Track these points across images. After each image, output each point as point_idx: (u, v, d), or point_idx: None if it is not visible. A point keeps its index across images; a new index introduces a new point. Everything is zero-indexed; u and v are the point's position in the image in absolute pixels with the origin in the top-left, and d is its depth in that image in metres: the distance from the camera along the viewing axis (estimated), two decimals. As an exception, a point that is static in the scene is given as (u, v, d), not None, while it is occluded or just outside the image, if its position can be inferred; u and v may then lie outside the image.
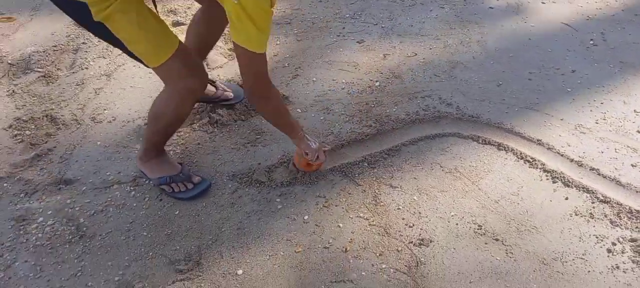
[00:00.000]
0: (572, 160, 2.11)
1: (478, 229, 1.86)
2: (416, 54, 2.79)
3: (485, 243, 1.81)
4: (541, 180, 2.03)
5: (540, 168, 2.07)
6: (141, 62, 1.69)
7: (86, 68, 2.74)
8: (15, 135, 2.27)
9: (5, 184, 2.02)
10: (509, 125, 2.29)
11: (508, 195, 1.99)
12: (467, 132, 2.27)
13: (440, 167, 2.11)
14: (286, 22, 3.12)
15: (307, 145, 1.93)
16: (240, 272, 1.72)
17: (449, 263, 1.76)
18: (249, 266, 1.74)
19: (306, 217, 1.91)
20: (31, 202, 1.96)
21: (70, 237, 1.83)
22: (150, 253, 1.78)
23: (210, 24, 2.12)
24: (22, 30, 3.05)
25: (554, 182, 2.02)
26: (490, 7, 3.16)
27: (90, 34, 2.97)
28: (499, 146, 2.19)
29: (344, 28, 3.04)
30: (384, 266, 1.75)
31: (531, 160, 2.10)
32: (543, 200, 1.95)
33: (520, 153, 2.14)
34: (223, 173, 2.09)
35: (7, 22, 3.17)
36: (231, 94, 2.40)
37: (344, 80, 2.60)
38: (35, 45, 2.90)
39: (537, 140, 2.20)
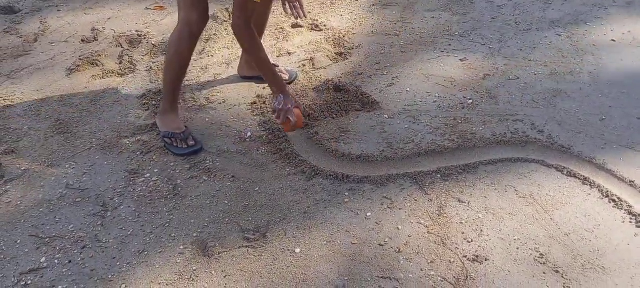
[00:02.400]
0: (667, 209, 1.94)
1: (539, 257, 1.81)
2: (518, 78, 2.72)
3: (544, 273, 1.76)
4: (623, 221, 1.90)
5: (625, 210, 1.93)
6: None
7: (211, 55, 3.12)
8: (144, 104, 2.69)
9: (127, 141, 2.42)
10: (601, 161, 2.16)
11: (581, 230, 1.89)
12: (552, 162, 2.18)
13: (515, 190, 2.07)
14: (394, 34, 3.24)
15: (274, 101, 2.27)
16: (297, 250, 1.88)
17: (500, 285, 1.74)
18: (306, 247, 1.89)
19: (369, 214, 2.01)
20: (144, 160, 2.32)
21: (167, 193, 2.14)
22: (227, 219, 2.02)
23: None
24: (169, 18, 3.56)
25: (637, 227, 1.87)
26: (613, 40, 2.96)
27: (221, 28, 3.39)
28: (585, 180, 2.08)
29: (450, 45, 3.07)
30: (432, 273, 1.78)
31: (617, 200, 1.97)
32: (620, 243, 1.83)
33: (607, 191, 2.01)
34: (304, 162, 2.27)
35: (159, 10, 3.72)
36: (287, 75, 2.79)
37: (437, 94, 2.64)
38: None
39: (630, 182, 2.05)
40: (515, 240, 1.88)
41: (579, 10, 3.40)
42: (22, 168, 2.27)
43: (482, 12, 3.45)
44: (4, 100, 2.70)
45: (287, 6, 2.49)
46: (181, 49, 2.30)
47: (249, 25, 2.16)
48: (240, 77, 2.87)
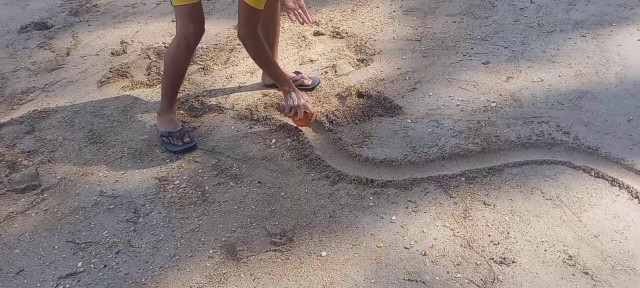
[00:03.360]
0: (700, 209, 1.91)
1: (568, 259, 1.80)
2: (542, 80, 2.71)
3: (573, 275, 1.75)
4: (653, 222, 1.88)
5: (655, 211, 1.91)
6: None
7: (236, 65, 3.19)
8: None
9: (157, 151, 2.49)
10: (630, 161, 2.13)
11: (611, 232, 1.87)
12: (579, 163, 2.17)
13: (542, 193, 2.07)
14: (416, 39, 3.26)
15: (286, 100, 2.44)
16: (324, 253, 1.91)
17: (527, 287, 1.74)
18: (332, 251, 1.92)
19: (394, 218, 2.03)
20: (173, 167, 2.39)
21: (196, 199, 2.20)
22: (254, 224, 2.06)
23: (263, 29, 2.58)
24: (194, 31, 3.64)
25: (668, 227, 1.85)
26: (639, 40, 2.92)
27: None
28: (613, 182, 2.06)
29: (472, 49, 3.08)
30: (459, 276, 1.79)
31: (646, 201, 1.95)
32: (650, 244, 1.81)
33: (636, 192, 1.99)
34: (328, 167, 2.30)
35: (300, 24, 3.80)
36: (309, 81, 2.86)
37: (460, 98, 2.65)
38: (201, 42, 3.44)
39: (660, 182, 2.02)
40: (542, 242, 1.87)
41: (603, 11, 3.36)
42: (58, 177, 2.36)
43: (504, 15, 3.45)
44: (39, 112, 2.81)
45: (292, 14, 2.57)
46: (178, 58, 2.44)
47: (256, 34, 2.33)
48: (264, 85, 2.93)
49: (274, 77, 2.51)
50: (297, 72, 2.88)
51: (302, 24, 2.58)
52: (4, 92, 3.06)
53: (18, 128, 2.70)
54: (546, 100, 2.56)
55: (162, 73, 2.53)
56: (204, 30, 2.44)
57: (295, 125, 2.53)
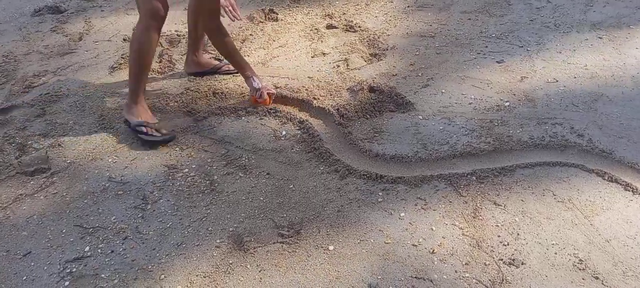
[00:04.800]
0: None
1: (578, 263, 1.77)
2: (557, 81, 2.67)
3: (583, 279, 1.72)
4: (667, 229, 1.84)
5: (669, 217, 1.88)
6: None
7: (248, 55, 3.17)
8: (183, 103, 2.76)
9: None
10: (644, 166, 2.10)
11: (623, 237, 1.84)
12: (593, 166, 2.14)
13: (553, 195, 2.04)
14: (430, 36, 3.22)
15: (250, 85, 2.61)
16: (331, 248, 1.90)
17: (536, 289, 1.72)
18: (339, 245, 1.91)
19: (402, 214, 2.01)
20: (182, 155, 2.38)
21: (204, 188, 2.20)
22: (262, 215, 2.05)
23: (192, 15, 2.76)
24: (206, 20, 3.63)
25: (682, 235, 1.82)
26: (658, 42, 2.87)
27: (257, 28, 3.44)
28: (627, 186, 2.03)
29: (486, 47, 3.04)
30: (467, 275, 1.77)
31: (660, 207, 1.92)
32: (663, 251, 1.78)
33: (650, 197, 1.96)
34: (338, 161, 2.29)
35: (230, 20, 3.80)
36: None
37: (472, 96, 2.62)
38: (213, 32, 3.43)
39: (675, 188, 1.99)
40: (553, 244, 1.85)
41: (621, 13, 3.31)
42: (68, 161, 2.36)
43: (520, 14, 3.40)
44: (51, 96, 2.81)
45: (223, 11, 2.63)
46: (144, 44, 2.39)
47: (220, 26, 2.47)
48: (187, 74, 2.99)
49: (236, 65, 2.65)
50: (220, 59, 3.02)
51: (233, 21, 2.68)
52: (16, 75, 3.07)
53: (29, 111, 2.71)
54: (560, 102, 2.53)
55: (129, 62, 2.49)
56: (168, 10, 2.39)
57: (256, 105, 2.67)
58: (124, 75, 3.00)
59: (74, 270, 1.84)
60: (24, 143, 2.47)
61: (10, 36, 3.54)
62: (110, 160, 2.36)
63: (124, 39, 3.40)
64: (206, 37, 2.90)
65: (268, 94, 2.63)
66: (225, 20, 2.55)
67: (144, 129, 2.43)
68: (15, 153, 2.41)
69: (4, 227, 2.05)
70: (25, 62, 3.20)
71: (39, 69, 3.10)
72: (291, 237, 1.96)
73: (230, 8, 2.66)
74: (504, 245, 1.86)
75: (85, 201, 2.14)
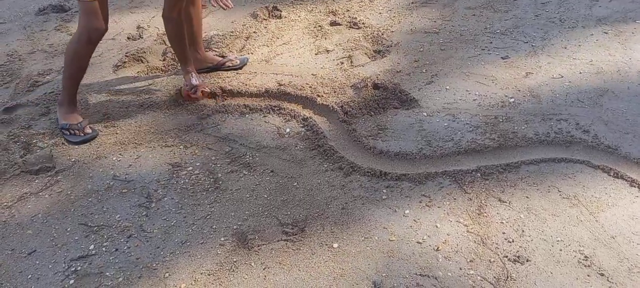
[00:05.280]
0: None
1: (583, 260, 1.76)
2: (562, 76, 2.66)
3: (588, 276, 1.71)
4: (673, 225, 1.83)
5: (675, 214, 1.86)
6: None
7: (251, 53, 3.17)
8: (186, 100, 2.76)
9: (170, 136, 2.49)
10: (651, 162, 2.08)
11: (628, 233, 1.83)
12: (598, 162, 2.12)
13: (558, 191, 2.03)
14: (434, 32, 3.21)
15: (188, 80, 2.67)
16: (335, 245, 1.90)
17: (541, 286, 1.70)
18: (344, 242, 1.91)
19: (407, 212, 2.01)
20: (186, 153, 2.38)
21: (208, 186, 2.20)
22: (266, 213, 2.05)
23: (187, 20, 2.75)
24: (211, 16, 3.64)
25: (689, 231, 1.80)
26: (664, 37, 2.85)
27: (261, 26, 3.44)
28: (632, 182, 2.01)
29: (491, 43, 3.02)
30: (471, 272, 1.77)
31: (667, 203, 1.90)
32: (669, 247, 1.77)
33: (657, 194, 1.95)
34: (342, 158, 2.28)
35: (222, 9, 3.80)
36: (238, 61, 3.01)
37: (477, 92, 2.61)
38: (217, 29, 3.44)
39: (681, 184, 1.97)
40: (558, 241, 1.84)
41: (627, 8, 3.28)
42: (72, 160, 2.37)
43: (524, 9, 3.38)
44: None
45: (213, 1, 2.63)
46: (79, 52, 2.45)
47: (179, 17, 2.53)
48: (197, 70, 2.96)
49: (181, 59, 2.68)
50: (223, 56, 3.06)
51: (225, 9, 2.65)
52: (20, 74, 3.07)
53: (34, 110, 2.71)
54: (566, 97, 2.51)
55: (63, 65, 2.55)
56: (107, 28, 2.45)
57: (188, 100, 2.72)
58: (128, 73, 3.01)
59: (79, 268, 1.85)
60: (29, 142, 2.48)
61: (15, 35, 3.55)
62: (114, 158, 2.37)
63: (128, 38, 3.40)
64: (201, 33, 2.94)
65: (202, 91, 2.69)
66: (225, 13, 2.54)
67: (67, 132, 2.50)
68: (20, 152, 2.42)
69: (8, 225, 2.05)
70: (30, 61, 3.21)
71: (43, 68, 3.11)
72: (295, 234, 1.96)
73: None
74: (509, 242, 1.85)
75: (90, 199, 2.15)
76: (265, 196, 2.13)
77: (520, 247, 1.83)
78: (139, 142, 2.46)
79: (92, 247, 1.93)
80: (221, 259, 1.86)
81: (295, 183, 2.19)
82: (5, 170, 2.32)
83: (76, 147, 2.44)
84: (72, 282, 1.80)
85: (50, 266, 1.87)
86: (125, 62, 3.09)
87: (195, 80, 2.68)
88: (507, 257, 1.80)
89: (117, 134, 2.52)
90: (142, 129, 2.55)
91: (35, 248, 1.95)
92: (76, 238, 1.97)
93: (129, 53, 3.17)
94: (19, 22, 3.74)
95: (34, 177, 2.28)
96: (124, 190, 2.19)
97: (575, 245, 1.82)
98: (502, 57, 2.86)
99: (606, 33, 2.99)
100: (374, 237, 1.92)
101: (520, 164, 2.16)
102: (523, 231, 1.89)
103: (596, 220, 1.89)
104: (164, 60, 3.12)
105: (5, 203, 2.15)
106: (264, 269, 1.82)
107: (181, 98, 2.74)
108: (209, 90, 2.74)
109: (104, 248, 1.92)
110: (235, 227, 2.00)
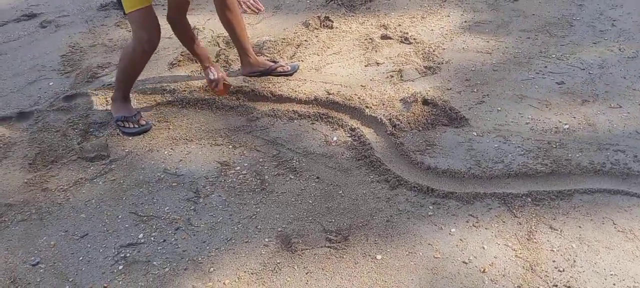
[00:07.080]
0: None
1: (638, 297, 1.69)
2: (621, 107, 2.57)
3: (643, 314, 1.65)
4: None
5: None
6: (122, 10, 2.41)
7: (302, 61, 3.21)
8: (238, 99, 2.81)
9: (220, 135, 2.54)
10: None
11: (688, 274, 1.75)
12: (657, 198, 2.04)
13: (613, 224, 1.96)
14: (487, 52, 3.17)
15: (207, 75, 2.68)
16: (379, 257, 1.89)
17: (592, 320, 1.65)
18: (387, 255, 1.89)
19: (453, 230, 1.98)
20: (235, 153, 2.42)
21: (255, 187, 2.23)
22: (310, 218, 2.06)
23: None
24: (264, 22, 3.71)
25: None
26: None
27: (312, 35, 3.48)
28: (694, 221, 1.93)
29: (546, 67, 2.96)
30: (518, 298, 1.72)
31: None
32: None
33: None
34: (388, 171, 2.27)
35: (254, 13, 3.88)
36: (288, 68, 3.03)
37: (530, 116, 2.56)
38: (270, 36, 3.50)
39: None
40: (611, 275, 1.77)
41: (692, 41, 3.16)
42: (126, 150, 2.45)
43: (582, 35, 3.30)
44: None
45: (243, 5, 2.67)
46: (135, 60, 2.54)
47: (184, 19, 2.63)
48: (244, 75, 3.02)
49: (195, 55, 2.75)
50: (275, 61, 3.05)
51: (257, 13, 2.71)
52: (81, 65, 3.21)
53: (92, 100, 2.82)
54: (624, 128, 2.43)
55: (117, 69, 2.62)
56: (160, 35, 2.51)
57: (214, 95, 2.77)
58: (182, 71, 3.09)
59: (128, 255, 1.90)
60: (86, 130, 2.58)
61: (78, 28, 3.71)
62: (165, 152, 2.43)
63: (183, 37, 3.50)
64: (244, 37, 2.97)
65: (224, 85, 2.69)
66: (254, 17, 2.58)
67: (121, 123, 2.58)
68: (78, 138, 2.51)
69: (63, 208, 2.14)
70: (90, 53, 3.34)
71: (102, 61, 3.23)
72: (339, 242, 1.96)
73: (252, 0, 2.72)
74: (559, 271, 1.80)
75: (141, 190, 2.21)
76: (310, 201, 2.14)
77: (571, 277, 1.77)
78: (190, 139, 2.52)
79: (141, 235, 1.98)
80: (265, 259, 1.88)
81: (340, 192, 2.19)
82: (63, 155, 2.42)
83: (130, 138, 2.52)
84: (121, 267, 1.85)
85: (100, 250, 1.93)
86: (180, 61, 3.18)
87: (212, 74, 2.68)
88: (556, 286, 1.75)
89: (169, 129, 2.59)
90: (193, 126, 2.61)
91: (88, 232, 2.01)
92: (126, 226, 2.03)
93: (184, 52, 3.26)
94: (82, 16, 3.90)
95: (90, 164, 2.37)
96: (173, 184, 2.24)
97: (630, 280, 1.75)
98: (557, 83, 2.80)
99: (669, 65, 2.88)
100: (419, 252, 1.90)
101: (574, 193, 2.10)
102: (574, 261, 1.83)
103: (653, 257, 1.82)
104: (216, 61, 3.20)
105: (61, 187, 2.24)
106: (306, 274, 1.82)
107: (210, 93, 2.80)
108: (229, 83, 2.75)
109: (152, 238, 1.97)
110: (279, 229, 2.02)
